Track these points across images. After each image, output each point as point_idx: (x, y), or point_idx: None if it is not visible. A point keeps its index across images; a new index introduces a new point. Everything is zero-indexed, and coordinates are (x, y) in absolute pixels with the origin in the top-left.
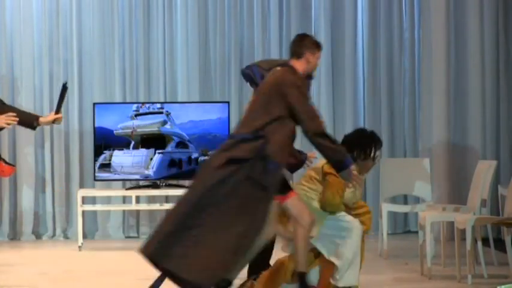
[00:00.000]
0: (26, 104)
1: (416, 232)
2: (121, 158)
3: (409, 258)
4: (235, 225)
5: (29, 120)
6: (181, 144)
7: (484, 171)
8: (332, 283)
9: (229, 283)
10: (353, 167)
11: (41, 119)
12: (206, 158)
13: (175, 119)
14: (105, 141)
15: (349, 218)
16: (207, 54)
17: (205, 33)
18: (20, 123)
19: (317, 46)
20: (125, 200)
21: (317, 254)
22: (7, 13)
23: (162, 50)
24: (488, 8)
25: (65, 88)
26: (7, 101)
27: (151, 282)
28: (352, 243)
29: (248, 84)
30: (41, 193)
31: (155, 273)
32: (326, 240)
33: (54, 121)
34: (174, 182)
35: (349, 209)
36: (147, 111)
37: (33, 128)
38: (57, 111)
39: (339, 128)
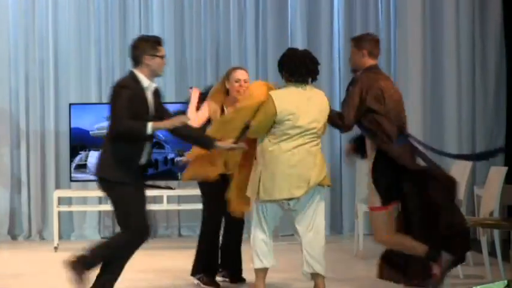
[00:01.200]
0: (1, 105)
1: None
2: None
3: None
4: None
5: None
6: (157, 144)
7: (459, 172)
8: None
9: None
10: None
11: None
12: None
13: None
14: (81, 142)
15: None
16: (183, 55)
17: (181, 34)
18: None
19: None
20: (101, 200)
21: None
22: None
23: None
24: (464, 8)
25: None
26: None
27: (127, 282)
28: None
29: None
30: (16, 194)
31: (130, 275)
32: None
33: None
34: (150, 182)
35: None
36: None
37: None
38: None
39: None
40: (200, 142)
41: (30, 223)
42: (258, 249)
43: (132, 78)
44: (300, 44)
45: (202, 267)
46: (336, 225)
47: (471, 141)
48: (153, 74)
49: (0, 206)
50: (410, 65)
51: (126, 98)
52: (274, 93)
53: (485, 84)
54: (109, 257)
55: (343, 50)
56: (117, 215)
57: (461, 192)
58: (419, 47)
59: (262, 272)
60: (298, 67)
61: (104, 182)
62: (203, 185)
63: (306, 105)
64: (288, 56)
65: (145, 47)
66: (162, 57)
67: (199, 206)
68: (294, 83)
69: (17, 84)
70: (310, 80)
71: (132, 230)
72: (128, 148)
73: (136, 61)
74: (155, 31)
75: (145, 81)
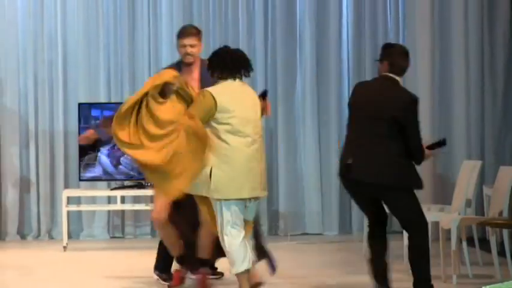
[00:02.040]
0: (10, 105)
1: (401, 232)
2: (106, 158)
3: (393, 259)
4: None
5: None
6: None
7: (469, 172)
8: None
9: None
10: None
11: None
12: None
13: None
14: None
15: None
16: None
17: None
18: None
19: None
20: (110, 200)
21: None
22: None
23: (147, 50)
24: (472, 10)
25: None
26: None
27: (136, 282)
28: None
29: None
30: (25, 193)
31: (139, 273)
32: None
33: None
34: None
35: None
36: None
37: None
38: None
39: (324, 133)
40: None
41: (39, 222)
42: (236, 254)
43: None
44: (308, 46)
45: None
46: (344, 225)
47: (479, 142)
48: None
49: (10, 205)
50: (419, 67)
51: None
52: (210, 88)
53: (494, 85)
54: None
55: (351, 52)
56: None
57: (470, 192)
58: (427, 49)
59: (245, 273)
60: (230, 63)
61: None
62: None
63: (243, 99)
64: (218, 54)
65: None
66: None
67: None
68: (225, 79)
69: (26, 85)
70: (241, 76)
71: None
72: None
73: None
74: (163, 31)
75: None
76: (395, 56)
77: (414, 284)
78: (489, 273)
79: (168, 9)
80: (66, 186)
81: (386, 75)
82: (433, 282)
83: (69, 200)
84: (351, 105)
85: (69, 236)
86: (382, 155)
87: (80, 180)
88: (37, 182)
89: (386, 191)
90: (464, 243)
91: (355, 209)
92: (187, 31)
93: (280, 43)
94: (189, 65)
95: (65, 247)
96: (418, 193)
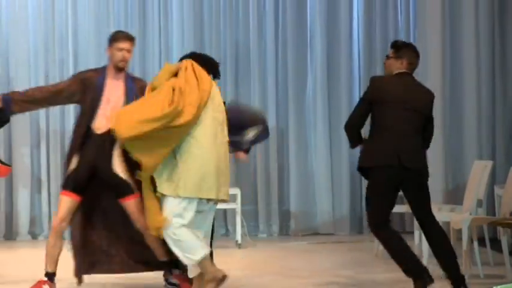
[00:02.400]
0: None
1: (413, 232)
2: None
3: None
4: None
5: None
6: None
7: (480, 172)
8: None
9: None
10: None
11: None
12: None
13: None
14: None
15: None
16: None
17: (200, 35)
18: None
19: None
20: None
21: None
22: (2, 13)
23: (158, 51)
24: (483, 9)
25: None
26: None
27: (148, 282)
28: None
29: (244, 84)
30: (36, 193)
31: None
32: None
33: None
34: None
35: None
36: None
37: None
38: None
39: (334, 129)
40: None
41: (50, 223)
42: (191, 241)
43: None
44: (319, 46)
45: None
46: (356, 225)
47: (491, 142)
48: None
49: (21, 205)
50: (430, 65)
51: None
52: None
53: (505, 85)
54: None
55: (362, 50)
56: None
57: (481, 192)
58: (438, 47)
59: (200, 276)
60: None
61: None
62: None
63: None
64: (192, 57)
65: None
66: None
67: (221, 205)
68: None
69: (37, 84)
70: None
71: None
72: None
73: None
74: (174, 32)
75: None
76: (413, 56)
77: (456, 278)
78: (500, 273)
79: (179, 10)
80: None
81: (406, 72)
82: (444, 281)
83: None
84: (377, 97)
85: None
86: (420, 145)
87: None
88: (48, 181)
89: (426, 178)
90: (475, 243)
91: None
92: (125, 35)
93: (291, 44)
94: (118, 71)
95: None
96: (432, 193)
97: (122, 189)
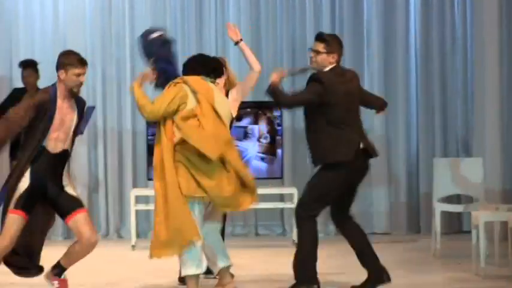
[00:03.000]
0: None
1: (470, 232)
2: None
3: (462, 258)
4: None
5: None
6: None
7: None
8: None
9: None
10: None
11: None
12: None
13: None
14: None
15: None
16: (259, 53)
17: (257, 32)
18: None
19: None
20: None
21: None
22: (60, 12)
23: (215, 48)
24: None
25: None
26: None
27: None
28: None
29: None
30: (94, 192)
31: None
32: None
33: None
34: None
35: None
36: None
37: None
38: None
39: (391, 127)
40: None
41: (107, 222)
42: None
43: None
44: (375, 41)
45: None
46: (412, 224)
47: None
48: None
49: None
50: (487, 62)
51: None
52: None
53: None
54: None
55: (419, 48)
56: None
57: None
58: (495, 44)
59: (196, 277)
60: (203, 64)
61: None
62: None
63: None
64: (192, 58)
65: None
66: None
67: (278, 204)
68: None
69: (94, 82)
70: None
71: None
72: None
73: None
74: None
75: None
76: (341, 48)
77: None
78: None
79: (236, 5)
80: (135, 185)
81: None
82: (502, 281)
83: (138, 200)
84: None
85: (138, 235)
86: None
87: (148, 179)
88: (105, 181)
89: None
90: None
91: (424, 207)
92: (83, 60)
93: (348, 42)
94: (72, 96)
95: (133, 246)
96: (487, 194)
97: (72, 204)
